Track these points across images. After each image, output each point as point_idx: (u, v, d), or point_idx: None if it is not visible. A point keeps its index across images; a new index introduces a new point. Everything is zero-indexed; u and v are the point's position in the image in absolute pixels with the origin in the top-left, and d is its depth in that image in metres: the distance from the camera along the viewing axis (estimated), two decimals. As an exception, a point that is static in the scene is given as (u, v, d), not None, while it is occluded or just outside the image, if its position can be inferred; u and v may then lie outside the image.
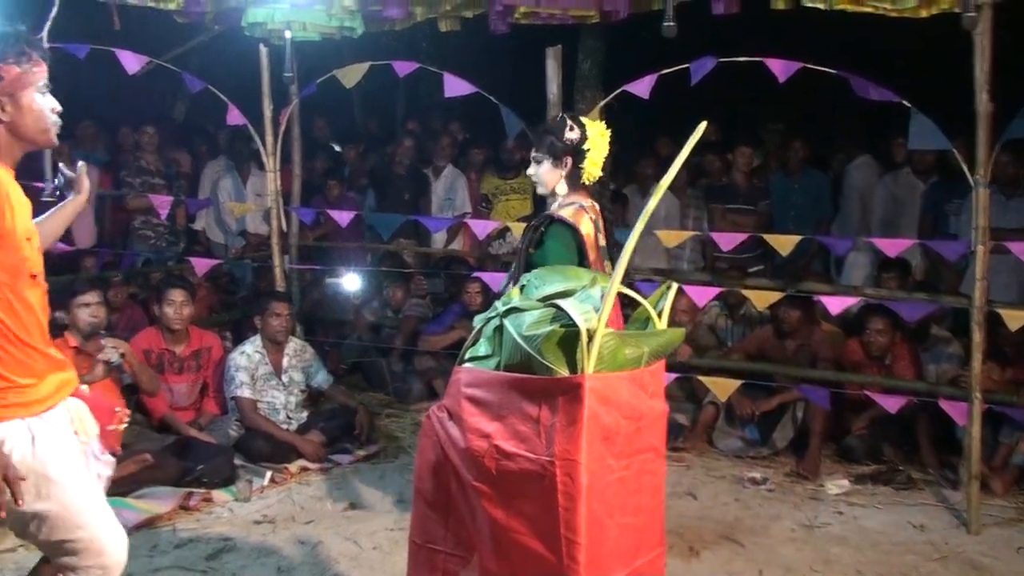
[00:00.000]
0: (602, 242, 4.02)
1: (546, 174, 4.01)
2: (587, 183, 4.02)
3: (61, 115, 2.68)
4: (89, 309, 5.33)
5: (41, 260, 2.69)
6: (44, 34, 5.22)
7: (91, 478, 2.79)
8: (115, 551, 2.78)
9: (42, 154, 5.81)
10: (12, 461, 2.52)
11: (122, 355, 5.31)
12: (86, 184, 3.07)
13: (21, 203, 2.60)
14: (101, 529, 2.75)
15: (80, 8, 5.87)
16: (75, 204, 3.06)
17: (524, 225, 6.59)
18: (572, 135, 3.94)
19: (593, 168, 4.01)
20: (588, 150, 3.97)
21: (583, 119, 4.03)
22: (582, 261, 3.86)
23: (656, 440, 2.95)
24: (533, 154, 4.03)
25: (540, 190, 4.10)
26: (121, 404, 5.36)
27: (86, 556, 2.71)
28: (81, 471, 2.74)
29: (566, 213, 3.90)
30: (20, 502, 2.50)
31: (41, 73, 2.59)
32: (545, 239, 3.89)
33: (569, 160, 3.95)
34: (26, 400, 2.61)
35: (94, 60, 6.02)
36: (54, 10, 5.27)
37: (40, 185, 5.74)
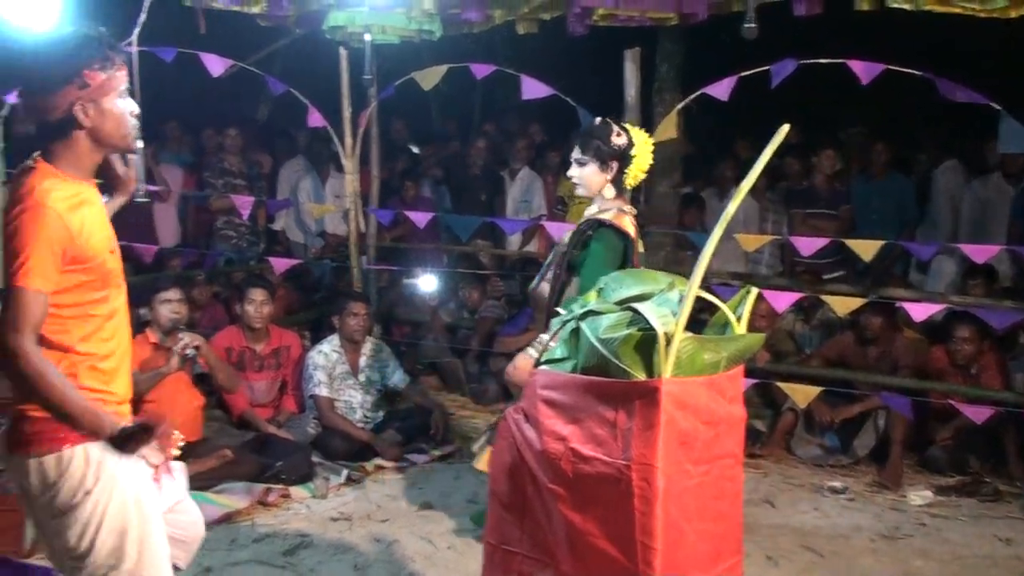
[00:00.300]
0: (641, 248, 4.08)
1: (590, 177, 4.03)
2: (628, 188, 4.08)
3: (141, 118, 2.66)
4: (170, 306, 5.43)
5: (120, 266, 2.66)
6: (133, 38, 5.36)
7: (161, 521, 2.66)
8: None
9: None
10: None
11: (196, 348, 5.39)
12: (132, 178, 2.99)
13: (99, 218, 2.56)
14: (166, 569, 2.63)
15: (167, 12, 6.02)
16: (116, 202, 2.96)
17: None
18: (619, 140, 3.99)
19: (638, 173, 4.06)
20: (634, 156, 4.02)
21: (626, 124, 4.09)
22: (625, 265, 3.88)
23: (735, 446, 2.91)
24: (577, 156, 4.04)
25: (581, 192, 4.11)
26: (198, 400, 5.51)
27: None
28: (158, 509, 2.64)
29: (609, 216, 3.96)
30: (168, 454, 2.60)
31: (123, 77, 2.55)
32: (591, 243, 3.92)
33: (615, 164, 3.99)
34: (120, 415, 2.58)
35: (180, 63, 6.16)
36: (143, 15, 5.40)
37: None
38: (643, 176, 4.13)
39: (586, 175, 4.03)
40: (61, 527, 2.48)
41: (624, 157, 4.01)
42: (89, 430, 2.42)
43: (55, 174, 2.46)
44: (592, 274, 3.73)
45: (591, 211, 4.09)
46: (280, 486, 5.22)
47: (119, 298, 2.61)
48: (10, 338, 2.34)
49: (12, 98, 5.46)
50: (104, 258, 2.51)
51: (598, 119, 4.10)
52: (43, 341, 2.42)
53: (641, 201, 5.88)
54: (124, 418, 2.54)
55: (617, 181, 4.02)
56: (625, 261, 3.94)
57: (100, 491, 2.46)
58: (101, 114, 2.49)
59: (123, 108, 2.55)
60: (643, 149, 4.06)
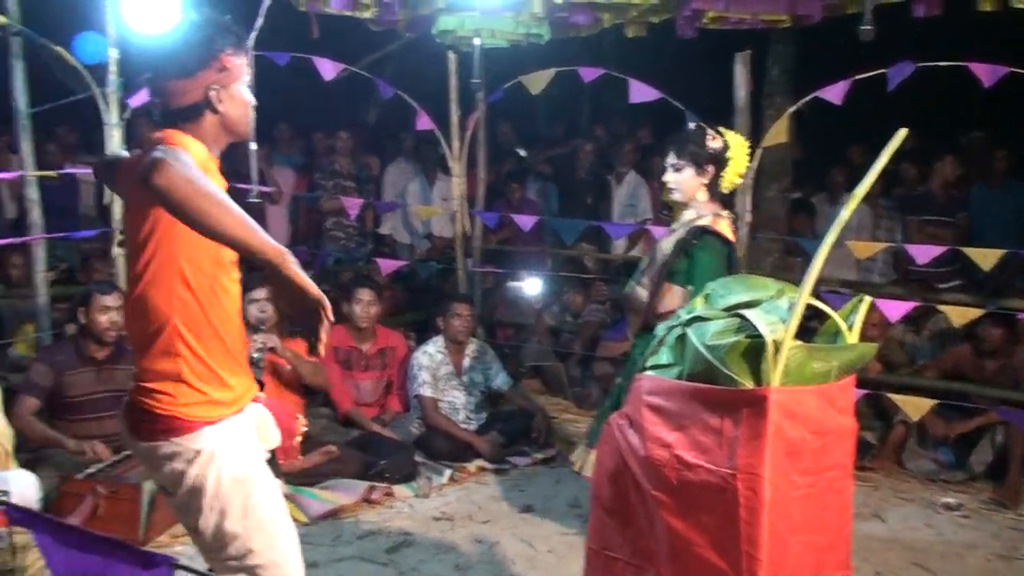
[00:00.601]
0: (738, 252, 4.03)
1: (686, 181, 4.03)
2: (725, 192, 4.07)
3: (255, 120, 2.72)
4: (258, 304, 5.53)
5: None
6: (249, 42, 5.50)
7: (279, 496, 2.62)
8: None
9: (247, 157, 6.10)
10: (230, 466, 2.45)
11: (271, 349, 5.44)
12: None
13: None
14: (296, 558, 2.60)
15: (282, 17, 6.17)
16: None
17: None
18: (714, 144, 3.99)
19: (734, 177, 4.05)
20: (729, 159, 4.01)
21: (721, 128, 4.07)
22: (730, 272, 3.84)
23: (843, 458, 2.84)
24: (672, 161, 4.04)
25: (676, 196, 4.08)
26: (300, 405, 5.61)
27: None
28: (275, 485, 2.61)
29: (707, 222, 3.95)
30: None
31: (247, 67, 2.56)
32: (695, 251, 3.91)
33: (711, 168, 3.99)
34: (228, 398, 2.51)
35: (293, 67, 6.31)
36: (259, 20, 5.54)
37: (245, 187, 6.06)
38: (739, 180, 4.12)
39: (682, 180, 4.03)
40: (193, 511, 2.46)
41: (720, 161, 4.01)
42: (256, 249, 2.18)
43: (184, 141, 2.43)
44: (703, 283, 3.68)
45: (687, 216, 4.07)
46: (384, 484, 5.29)
47: (231, 274, 2.55)
48: (160, 167, 2.12)
49: (135, 101, 5.67)
50: None
51: (692, 123, 4.11)
52: (189, 311, 2.41)
53: (748, 206, 5.80)
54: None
55: (712, 186, 4.02)
56: (730, 267, 3.92)
57: (222, 474, 2.44)
58: (231, 99, 2.50)
59: (248, 97, 2.57)
60: (739, 152, 4.05)
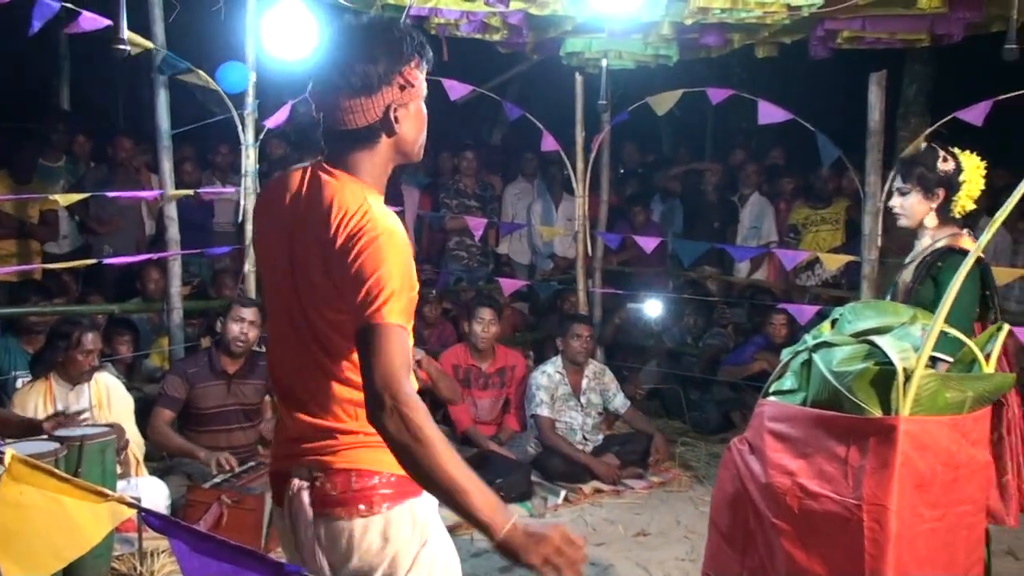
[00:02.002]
0: None
1: (915, 206, 3.75)
2: (957, 216, 3.76)
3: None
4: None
5: None
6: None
7: None
8: None
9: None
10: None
11: (418, 362, 5.51)
12: None
13: None
14: None
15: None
16: None
17: (836, 257, 6.40)
18: (945, 166, 3.72)
19: (967, 201, 3.75)
20: (963, 182, 3.73)
21: (955, 150, 3.80)
22: (987, 290, 3.55)
23: (976, 492, 2.73)
24: (898, 185, 3.79)
25: (904, 222, 3.83)
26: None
27: None
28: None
29: (949, 242, 3.65)
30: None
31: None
32: (943, 275, 3.54)
33: (941, 192, 3.71)
34: None
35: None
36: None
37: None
38: (973, 205, 3.81)
39: (909, 204, 3.77)
40: None
41: (951, 184, 3.73)
42: (481, 521, 1.87)
43: (370, 189, 2.09)
44: (959, 306, 3.29)
45: (922, 244, 3.79)
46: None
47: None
48: (392, 386, 1.87)
49: (270, 123, 5.87)
50: (415, 284, 2.05)
51: (924, 144, 3.84)
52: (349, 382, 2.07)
53: (879, 230, 5.64)
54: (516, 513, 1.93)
55: (942, 210, 3.74)
56: (985, 286, 3.60)
57: (425, 554, 2.13)
58: (409, 119, 2.13)
59: (425, 115, 2.20)
60: (974, 175, 3.77)
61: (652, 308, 8.05)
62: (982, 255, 3.58)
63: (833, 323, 3.09)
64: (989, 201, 7.40)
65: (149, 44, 5.32)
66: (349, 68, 2.06)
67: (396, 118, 2.09)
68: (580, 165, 6.78)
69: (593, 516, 5.33)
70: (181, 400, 5.08)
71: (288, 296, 2.11)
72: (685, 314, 7.79)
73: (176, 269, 5.83)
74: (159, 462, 5.24)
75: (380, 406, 1.87)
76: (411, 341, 1.98)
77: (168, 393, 5.08)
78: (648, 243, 6.92)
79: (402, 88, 2.09)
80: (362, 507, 2.05)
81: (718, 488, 3.14)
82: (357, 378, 1.98)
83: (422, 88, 2.15)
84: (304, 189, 2.13)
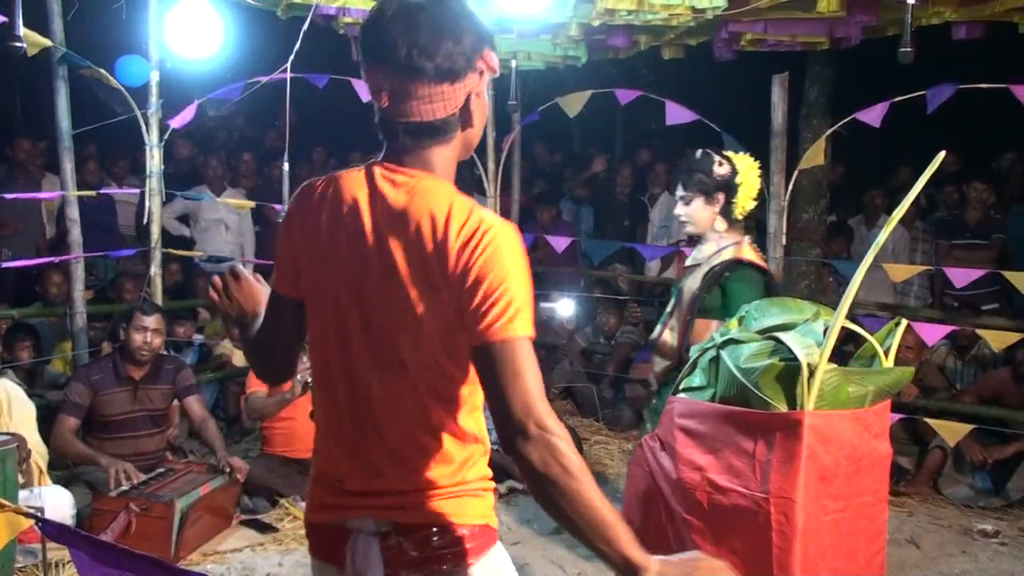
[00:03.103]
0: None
1: (699, 212, 3.84)
2: (739, 218, 3.89)
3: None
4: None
5: None
6: (287, 65, 5.58)
7: None
8: None
9: (281, 176, 6.13)
10: None
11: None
12: None
13: None
14: None
15: (320, 41, 6.23)
16: None
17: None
18: (721, 170, 3.82)
19: (747, 201, 3.88)
20: (740, 184, 3.84)
21: (727, 152, 3.92)
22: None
23: (877, 483, 2.81)
24: (681, 194, 3.86)
25: (690, 229, 3.90)
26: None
27: None
28: None
29: (735, 252, 3.77)
30: None
31: None
32: (729, 284, 3.72)
33: (721, 196, 3.81)
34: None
35: (330, 90, 6.36)
36: (297, 43, 5.59)
37: (279, 207, 6.11)
38: (752, 205, 3.93)
39: (693, 212, 3.84)
40: None
41: (730, 187, 3.83)
42: (624, 560, 1.65)
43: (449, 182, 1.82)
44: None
45: (708, 250, 3.87)
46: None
47: None
48: (534, 413, 1.65)
49: (175, 122, 5.75)
50: None
51: (698, 151, 3.90)
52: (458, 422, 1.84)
53: (783, 228, 5.76)
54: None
55: (725, 213, 3.84)
56: (768, 295, 3.69)
57: None
58: (480, 109, 1.85)
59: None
60: (749, 176, 3.87)
61: (564, 307, 8.10)
62: (763, 265, 3.80)
63: (740, 320, 3.15)
64: (887, 199, 7.67)
65: (47, 42, 5.16)
66: (432, 49, 1.72)
67: (472, 106, 1.82)
68: (491, 165, 6.79)
69: (507, 515, 5.34)
70: (85, 407, 4.95)
71: (355, 326, 1.79)
72: (597, 313, 7.87)
73: (79, 272, 5.66)
74: (64, 471, 5.10)
75: (522, 434, 1.64)
76: None
77: (72, 400, 4.93)
78: (560, 243, 6.96)
79: (481, 74, 1.80)
80: (446, 567, 1.80)
81: (630, 485, 3.17)
82: (447, 420, 1.80)
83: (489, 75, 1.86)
84: (377, 197, 1.79)
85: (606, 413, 7.24)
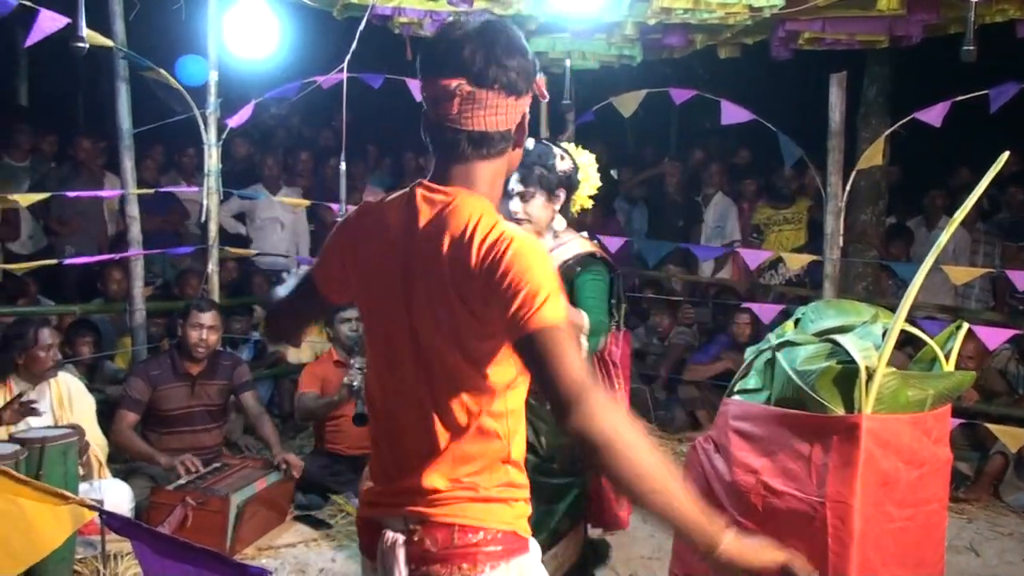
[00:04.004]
0: None
1: (538, 210, 3.44)
2: (575, 215, 3.61)
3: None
4: (350, 324, 5.57)
5: None
6: (344, 65, 5.62)
7: None
8: None
9: (337, 176, 6.18)
10: None
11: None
12: None
13: None
14: None
15: (377, 40, 6.26)
16: None
17: (798, 256, 6.46)
18: (564, 165, 3.48)
19: (584, 199, 3.61)
20: (580, 181, 3.55)
21: (564, 145, 3.62)
22: (611, 305, 3.48)
23: (939, 490, 2.77)
24: (519, 189, 3.43)
25: (528, 227, 3.36)
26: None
27: None
28: None
29: (583, 248, 3.50)
30: None
31: None
32: (583, 277, 3.43)
33: (563, 193, 3.48)
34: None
35: (385, 89, 6.39)
36: (354, 43, 5.63)
37: (335, 206, 6.15)
38: (590, 204, 3.66)
39: (533, 209, 3.42)
40: None
41: (571, 184, 3.51)
42: (699, 536, 1.70)
43: (490, 203, 1.88)
44: (600, 311, 3.38)
45: (553, 247, 3.49)
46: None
47: None
48: (583, 388, 1.67)
49: (233, 122, 5.82)
50: None
51: (531, 141, 3.43)
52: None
53: (841, 229, 5.68)
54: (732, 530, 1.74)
55: (564, 210, 3.52)
56: (612, 294, 3.53)
57: None
58: (525, 135, 1.94)
59: None
60: (588, 172, 3.60)
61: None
62: (613, 263, 3.52)
63: (796, 322, 3.11)
64: (948, 200, 7.54)
65: (108, 42, 5.25)
66: (507, 64, 1.81)
67: (523, 130, 1.91)
68: (545, 165, 6.77)
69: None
70: (144, 402, 5.03)
71: (402, 334, 1.88)
72: (650, 313, 7.82)
73: (138, 269, 5.76)
74: (122, 464, 5.19)
75: (577, 412, 1.66)
76: None
77: (131, 395, 5.02)
78: (610, 242, 6.92)
79: (533, 97, 1.90)
80: (465, 566, 1.83)
81: (683, 486, 3.15)
82: (473, 425, 1.84)
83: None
84: (416, 218, 1.87)
85: (659, 415, 7.19)
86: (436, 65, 1.84)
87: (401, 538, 1.86)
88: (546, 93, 1.93)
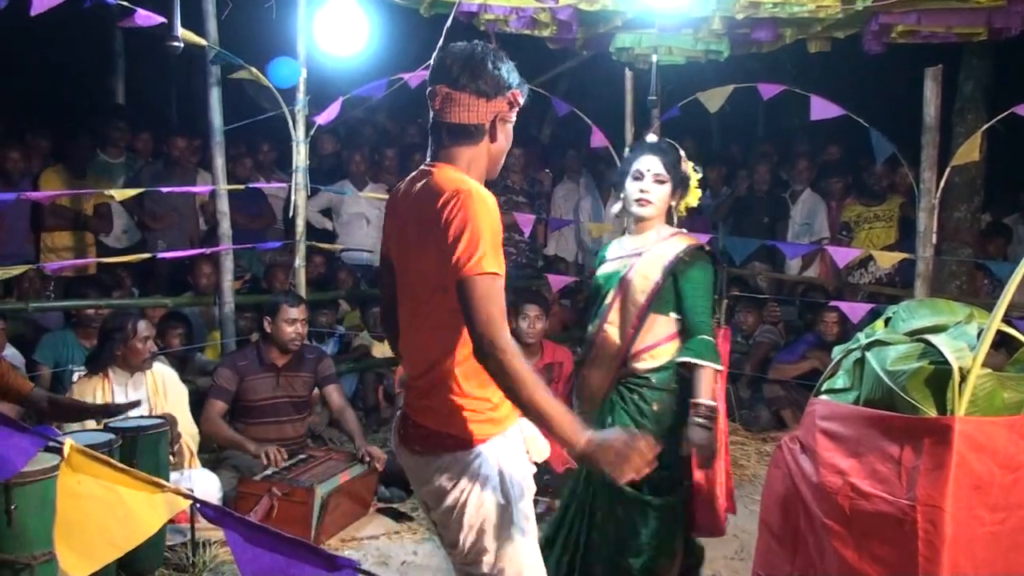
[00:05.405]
0: None
1: (664, 197, 3.59)
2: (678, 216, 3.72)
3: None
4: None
5: None
6: (432, 61, 5.65)
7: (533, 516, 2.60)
8: None
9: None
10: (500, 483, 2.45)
11: None
12: None
13: None
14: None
15: (462, 36, 6.30)
16: None
17: (889, 254, 6.31)
18: (686, 167, 3.65)
19: (684, 206, 3.72)
20: (690, 187, 3.69)
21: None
22: (716, 296, 3.58)
23: (1036, 495, 2.67)
24: (657, 171, 3.56)
25: (649, 211, 3.59)
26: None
27: None
28: (531, 504, 2.58)
29: (689, 241, 3.59)
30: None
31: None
32: (688, 271, 3.49)
33: (679, 192, 3.63)
34: (501, 416, 2.50)
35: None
36: (441, 39, 5.67)
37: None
38: (684, 212, 3.75)
39: (661, 194, 3.57)
40: (452, 527, 2.48)
41: (686, 186, 3.66)
42: (564, 439, 2.25)
43: (465, 173, 2.45)
44: (705, 311, 3.46)
45: (650, 239, 3.62)
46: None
47: None
48: (490, 332, 2.21)
49: (321, 119, 5.91)
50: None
51: (662, 141, 3.70)
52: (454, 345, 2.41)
53: (935, 226, 5.54)
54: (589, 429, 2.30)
55: (670, 212, 3.67)
56: (716, 291, 3.62)
57: (484, 496, 2.44)
58: (505, 135, 2.54)
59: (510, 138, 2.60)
60: (695, 182, 3.72)
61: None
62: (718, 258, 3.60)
63: (887, 321, 3.05)
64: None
65: (202, 41, 5.38)
66: (476, 74, 2.43)
67: (499, 128, 2.49)
68: (638, 161, 6.73)
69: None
70: (232, 391, 5.14)
71: (402, 282, 2.54)
72: (736, 311, 7.73)
73: (228, 263, 5.89)
74: (211, 454, 5.31)
75: (481, 350, 2.23)
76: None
77: (219, 384, 5.14)
78: (698, 239, 6.85)
79: (510, 105, 2.49)
80: (436, 448, 2.46)
81: (768, 487, 3.11)
82: (448, 346, 2.40)
83: (515, 112, 2.54)
84: (412, 188, 2.49)
85: (743, 413, 7.10)
86: (432, 74, 2.49)
87: (400, 425, 2.62)
88: (520, 101, 2.51)
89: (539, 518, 5.14)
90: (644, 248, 3.59)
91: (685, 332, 3.48)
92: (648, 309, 3.50)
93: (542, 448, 2.65)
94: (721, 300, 3.66)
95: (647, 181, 3.56)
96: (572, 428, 2.23)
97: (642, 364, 3.52)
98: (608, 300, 3.62)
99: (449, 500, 2.45)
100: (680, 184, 3.61)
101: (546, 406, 2.22)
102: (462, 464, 2.43)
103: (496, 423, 2.49)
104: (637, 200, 3.58)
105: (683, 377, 3.45)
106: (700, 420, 3.33)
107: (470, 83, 2.43)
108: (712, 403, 3.33)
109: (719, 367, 3.38)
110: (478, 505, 2.43)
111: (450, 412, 2.45)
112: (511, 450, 2.53)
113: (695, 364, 3.37)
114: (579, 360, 3.82)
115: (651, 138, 3.70)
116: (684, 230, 3.69)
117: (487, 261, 2.24)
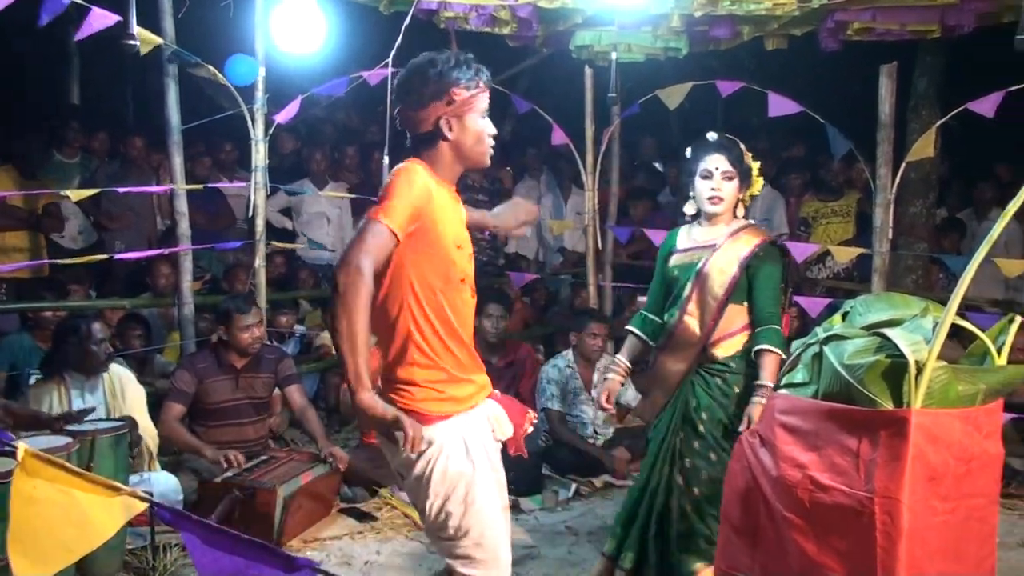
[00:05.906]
0: None
1: (733, 192, 3.80)
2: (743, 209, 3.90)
3: (496, 139, 2.86)
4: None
5: (471, 268, 2.81)
6: (389, 60, 5.63)
7: (501, 487, 2.83)
8: (507, 567, 2.80)
9: (380, 168, 6.21)
10: (450, 464, 2.64)
11: None
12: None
13: (452, 213, 2.73)
14: (505, 546, 2.78)
15: (421, 35, 6.28)
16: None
17: (846, 249, 6.38)
18: (748, 160, 3.84)
19: (747, 199, 3.89)
20: (753, 181, 3.88)
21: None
22: (783, 284, 3.77)
23: (989, 485, 2.72)
24: (725, 168, 3.77)
25: (719, 208, 3.80)
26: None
27: (482, 568, 2.73)
28: (498, 480, 2.80)
29: (761, 235, 3.82)
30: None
31: (485, 98, 2.78)
32: (762, 270, 3.72)
33: (744, 185, 3.84)
34: (460, 395, 2.70)
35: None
36: (399, 38, 5.65)
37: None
38: (748, 201, 3.93)
39: (731, 189, 3.78)
40: (420, 495, 2.68)
41: (749, 180, 3.86)
42: (350, 381, 2.47)
43: (433, 171, 2.70)
44: (773, 303, 3.69)
45: (721, 231, 3.83)
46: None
47: (461, 294, 2.74)
48: (347, 253, 2.46)
49: (280, 117, 5.86)
50: (449, 246, 2.67)
51: (713, 135, 3.89)
52: (393, 313, 2.63)
53: (890, 222, 5.61)
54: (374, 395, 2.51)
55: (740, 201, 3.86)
56: (784, 278, 3.82)
57: (448, 465, 2.64)
58: (463, 129, 2.71)
59: (483, 127, 2.77)
60: (756, 171, 3.91)
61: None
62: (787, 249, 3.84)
63: (844, 316, 3.08)
64: (998, 193, 7.42)
65: (158, 40, 5.32)
66: (408, 87, 2.72)
67: (449, 126, 2.69)
68: (590, 158, 6.76)
69: (604, 509, 5.33)
70: (190, 394, 5.09)
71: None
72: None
73: (187, 264, 5.83)
74: (171, 456, 5.26)
75: (336, 265, 2.48)
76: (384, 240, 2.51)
77: (177, 387, 5.08)
78: (658, 236, 6.88)
79: (449, 104, 2.68)
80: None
81: (729, 481, 3.13)
82: (400, 324, 2.63)
83: (472, 104, 2.72)
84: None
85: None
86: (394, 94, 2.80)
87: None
88: (455, 99, 2.68)
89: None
90: (716, 240, 3.81)
91: (754, 321, 3.71)
92: (727, 302, 3.72)
93: (506, 428, 2.82)
94: (787, 289, 3.78)
95: (716, 179, 3.77)
96: (359, 377, 2.42)
97: (720, 351, 3.75)
98: (686, 292, 3.83)
99: (416, 469, 2.64)
100: (745, 178, 3.82)
101: (353, 340, 2.41)
102: (428, 437, 2.59)
103: (458, 401, 2.69)
104: (709, 199, 3.80)
105: (749, 361, 3.69)
106: (761, 399, 3.47)
107: (411, 96, 2.70)
108: (772, 385, 3.48)
109: (785, 355, 3.51)
110: (443, 473, 2.63)
111: (415, 391, 2.64)
112: (475, 425, 2.72)
113: (766, 350, 3.57)
114: (656, 347, 4.05)
115: (712, 136, 3.85)
116: (752, 221, 3.92)
117: (383, 212, 2.51)
